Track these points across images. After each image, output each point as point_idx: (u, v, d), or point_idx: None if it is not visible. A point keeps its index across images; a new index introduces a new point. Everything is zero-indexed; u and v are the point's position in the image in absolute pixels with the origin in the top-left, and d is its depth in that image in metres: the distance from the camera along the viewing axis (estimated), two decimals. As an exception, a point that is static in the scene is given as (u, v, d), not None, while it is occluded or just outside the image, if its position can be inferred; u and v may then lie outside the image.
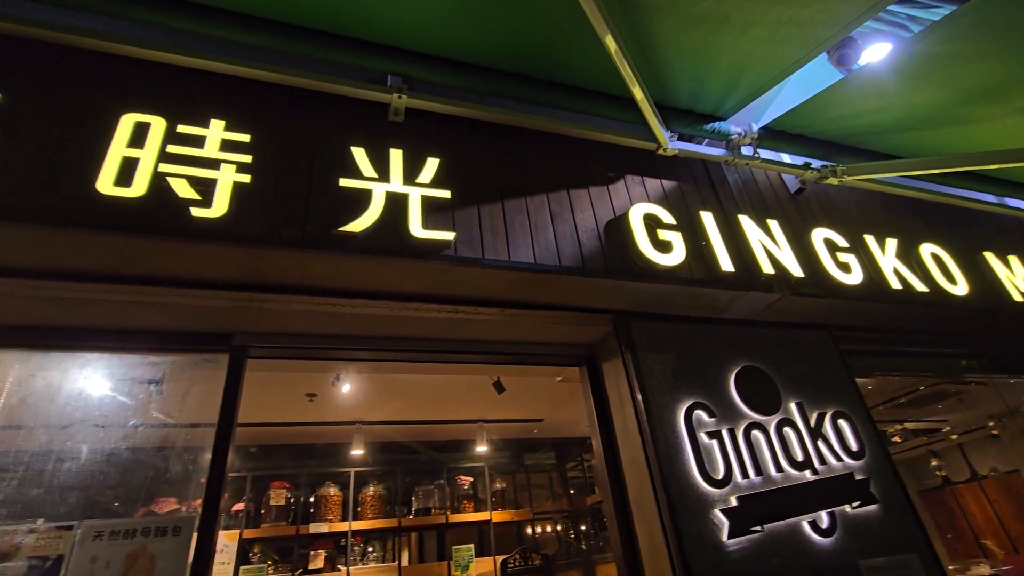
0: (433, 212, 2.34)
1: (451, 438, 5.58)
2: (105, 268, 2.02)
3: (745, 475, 2.51)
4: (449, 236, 2.26)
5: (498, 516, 5.06)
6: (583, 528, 5.78)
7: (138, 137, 2.02)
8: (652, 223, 2.74)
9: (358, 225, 2.15)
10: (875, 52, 2.86)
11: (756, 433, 2.65)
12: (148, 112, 2.10)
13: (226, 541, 4.19)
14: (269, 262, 2.10)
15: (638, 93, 2.54)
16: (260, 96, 2.38)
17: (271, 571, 4.25)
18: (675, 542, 2.23)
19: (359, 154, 2.33)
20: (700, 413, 2.60)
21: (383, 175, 2.33)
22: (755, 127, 3.18)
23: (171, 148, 2.05)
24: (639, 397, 2.56)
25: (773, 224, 3.06)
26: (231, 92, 2.33)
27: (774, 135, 3.28)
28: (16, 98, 1.96)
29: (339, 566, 4.48)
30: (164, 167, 1.99)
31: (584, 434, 5.87)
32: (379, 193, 2.26)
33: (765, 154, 3.25)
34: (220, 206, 1.99)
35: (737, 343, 2.91)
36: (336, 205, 2.19)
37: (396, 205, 2.27)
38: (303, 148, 2.32)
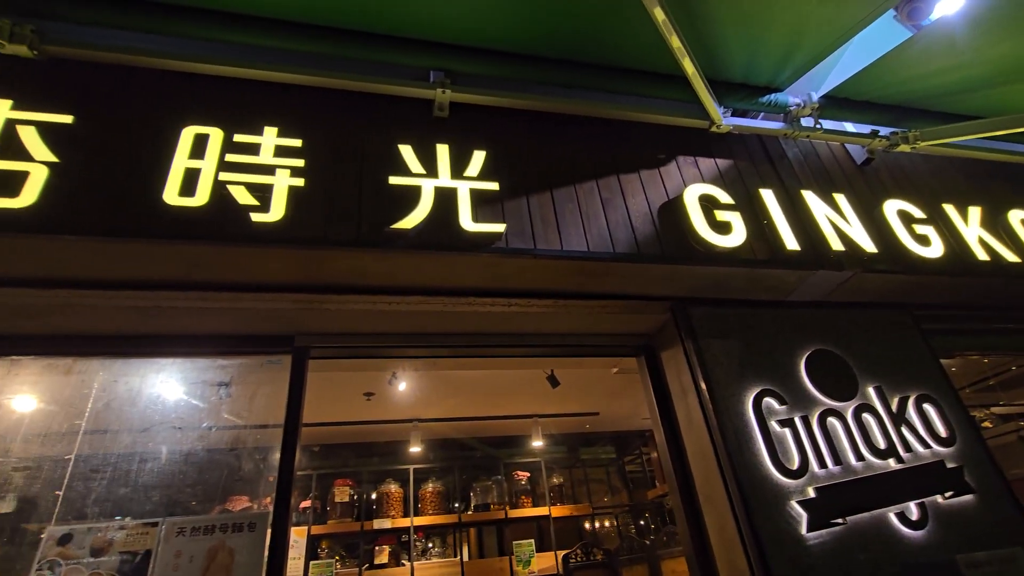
0: (482, 205, 2.32)
1: (506, 434, 5.59)
2: (174, 276, 2.11)
3: (822, 465, 2.36)
4: (500, 228, 2.24)
5: (557, 511, 5.02)
6: (642, 523, 5.66)
7: (199, 148, 2.10)
8: (708, 204, 2.62)
9: (409, 222, 2.15)
10: (949, 3, 2.63)
11: (832, 420, 2.49)
12: (207, 124, 2.17)
13: (296, 537, 4.34)
14: (326, 263, 2.13)
15: (688, 66, 2.43)
16: (309, 101, 2.42)
17: (339, 566, 4.38)
18: (750, 536, 2.13)
19: (407, 151, 2.34)
20: (770, 400, 2.47)
21: (431, 171, 2.33)
22: (815, 96, 2.99)
23: (229, 157, 2.11)
24: (703, 386, 2.45)
25: (840, 198, 2.87)
26: (282, 99, 2.39)
27: (837, 103, 3.07)
28: (87, 119, 2.07)
29: (403, 561, 4.57)
30: (224, 175, 2.06)
31: (642, 427, 5.75)
32: (428, 189, 2.26)
33: (827, 124, 3.05)
34: (277, 210, 2.03)
35: (806, 326, 2.74)
36: (387, 203, 2.20)
37: (445, 200, 2.26)
38: (352, 149, 2.34)
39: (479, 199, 2.31)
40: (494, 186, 2.36)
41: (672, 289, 2.63)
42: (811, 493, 2.28)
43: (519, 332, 2.77)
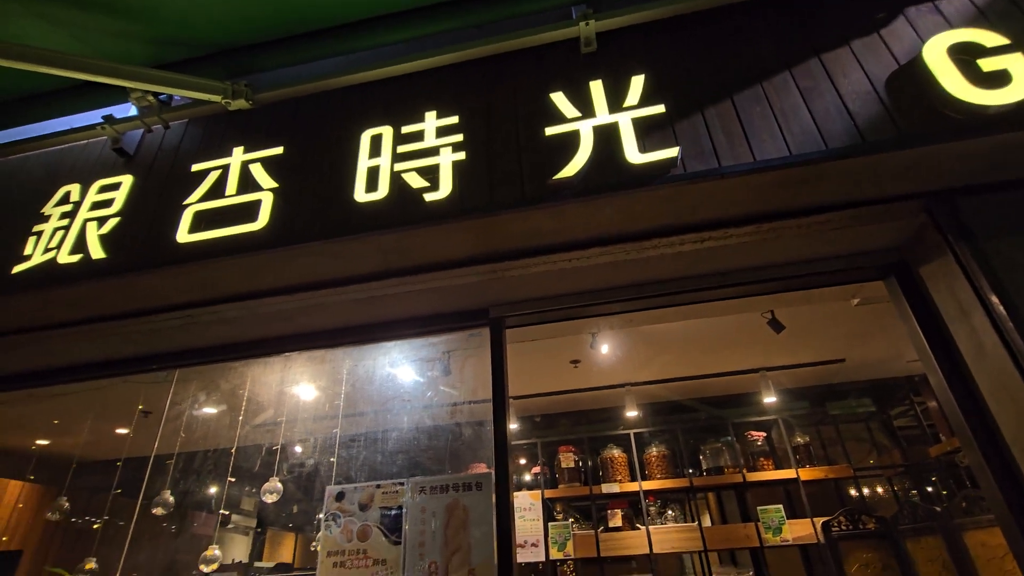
0: (649, 132, 2.07)
1: (731, 392, 5.09)
2: (374, 267, 2.35)
3: None
4: (672, 152, 1.96)
5: (807, 474, 4.38)
6: (929, 488, 4.62)
7: (375, 147, 2.30)
8: (966, 54, 1.92)
9: (571, 168, 2.03)
10: None
11: None
12: (379, 124, 2.36)
13: (531, 500, 4.62)
14: (497, 228, 2.14)
15: None
16: (459, 77, 2.46)
17: (576, 528, 4.53)
18: (1112, 497, 1.49)
19: (558, 98, 2.22)
20: (1120, 306, 1.71)
21: (587, 111, 2.16)
22: None
23: (400, 148, 2.27)
24: (994, 299, 1.82)
25: None
26: (436, 82, 2.48)
27: None
28: (292, 146, 2.44)
29: (638, 525, 4.51)
30: (398, 166, 2.21)
31: (909, 371, 4.68)
32: (586, 130, 2.10)
33: None
34: (445, 187, 2.11)
35: None
36: (547, 156, 2.12)
37: (605, 137, 2.07)
38: (506, 111, 2.31)
39: (644, 127, 2.07)
40: (659, 109, 2.09)
41: (922, 181, 2.01)
42: None
43: (721, 270, 2.44)
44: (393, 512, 2.33)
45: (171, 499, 2.79)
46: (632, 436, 4.79)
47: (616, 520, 4.48)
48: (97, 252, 2.31)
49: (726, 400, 5.17)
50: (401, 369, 2.73)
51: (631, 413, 4.69)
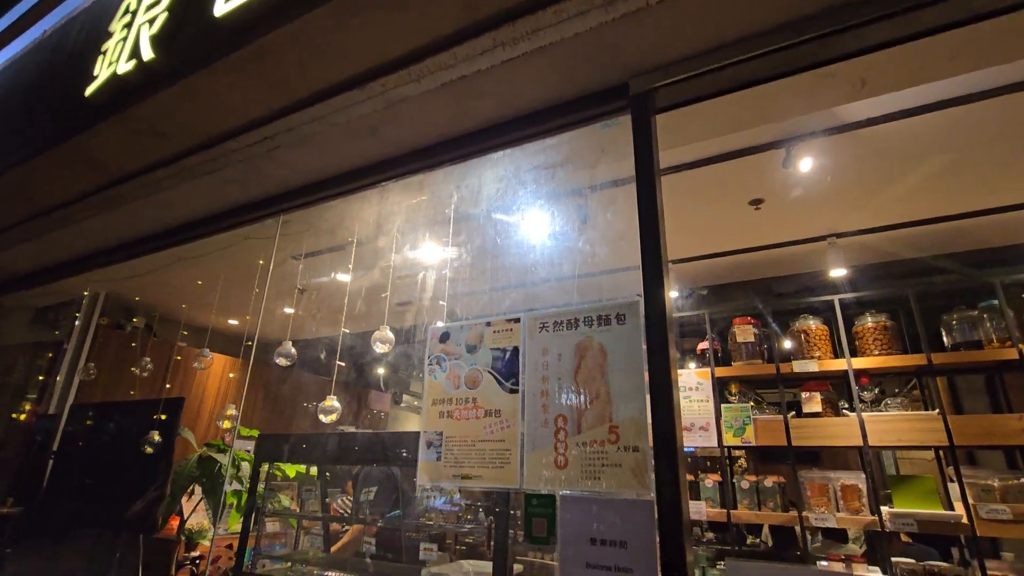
0: None
1: (996, 244, 3.57)
2: (460, 19, 1.66)
3: None
4: None
5: None
6: None
7: None
8: None
9: None
10: None
11: None
12: None
13: (699, 379, 3.86)
14: None
15: None
16: None
17: (756, 412, 3.69)
18: None
19: None
20: None
21: None
22: None
23: None
24: None
25: None
26: None
27: None
28: None
29: (844, 411, 3.50)
30: None
31: None
32: None
33: None
34: None
35: None
36: None
37: None
38: None
39: None
40: None
41: None
42: None
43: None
44: (507, 354, 1.78)
45: (293, 350, 2.65)
46: (836, 303, 3.64)
47: (814, 404, 3.53)
48: (148, 54, 1.98)
49: (986, 255, 3.67)
50: (512, 182, 2.08)
51: (837, 272, 3.53)
